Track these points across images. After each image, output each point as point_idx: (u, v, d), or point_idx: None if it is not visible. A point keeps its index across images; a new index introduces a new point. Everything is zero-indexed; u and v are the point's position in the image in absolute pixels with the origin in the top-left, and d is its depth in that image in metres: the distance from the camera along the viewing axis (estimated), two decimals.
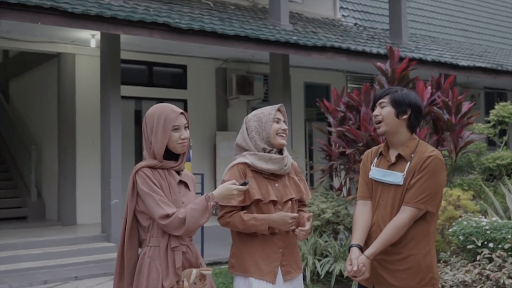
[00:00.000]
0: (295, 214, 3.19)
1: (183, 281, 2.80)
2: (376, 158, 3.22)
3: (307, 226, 3.21)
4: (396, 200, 3.06)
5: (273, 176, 3.25)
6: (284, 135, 3.30)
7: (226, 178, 3.18)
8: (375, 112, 3.16)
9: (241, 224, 3.14)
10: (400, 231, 2.99)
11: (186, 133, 2.92)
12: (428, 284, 3.02)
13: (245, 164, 3.22)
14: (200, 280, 2.86)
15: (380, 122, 3.13)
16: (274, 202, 3.21)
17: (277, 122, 3.29)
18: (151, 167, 2.84)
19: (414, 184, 3.00)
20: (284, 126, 3.31)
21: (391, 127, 3.11)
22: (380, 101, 3.14)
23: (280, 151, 3.32)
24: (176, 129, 2.88)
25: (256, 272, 3.16)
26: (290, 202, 3.27)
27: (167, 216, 2.73)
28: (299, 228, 3.19)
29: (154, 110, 2.93)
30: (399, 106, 3.08)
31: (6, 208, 11.36)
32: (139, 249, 2.90)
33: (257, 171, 3.22)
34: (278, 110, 3.34)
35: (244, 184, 2.95)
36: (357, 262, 2.96)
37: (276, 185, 3.25)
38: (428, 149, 3.08)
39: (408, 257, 3.01)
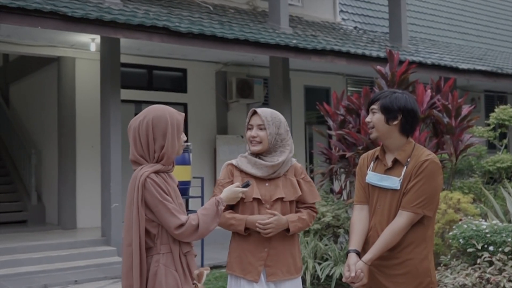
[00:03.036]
0: (269, 218, 3.18)
1: (195, 283, 2.82)
2: (372, 162, 3.21)
3: (266, 220, 3.18)
4: (393, 205, 3.05)
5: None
6: (255, 142, 3.27)
7: (219, 177, 3.33)
8: (367, 119, 3.17)
9: (224, 222, 3.23)
10: (397, 236, 2.98)
11: (185, 136, 2.95)
12: None
13: (232, 164, 3.32)
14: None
15: (372, 128, 3.14)
16: (259, 201, 3.23)
17: (250, 129, 3.30)
18: (156, 172, 2.77)
19: (410, 188, 2.99)
20: (254, 133, 3.27)
21: (382, 133, 3.11)
22: (372, 107, 3.14)
23: (271, 157, 3.29)
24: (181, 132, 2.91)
25: (239, 270, 3.22)
26: (280, 202, 3.26)
27: (182, 225, 2.70)
28: (258, 221, 3.17)
29: (161, 113, 2.83)
30: (389, 112, 3.06)
31: (6, 212, 11.34)
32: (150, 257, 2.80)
33: (244, 172, 3.29)
34: (254, 114, 3.32)
35: (247, 185, 3.06)
36: (355, 268, 2.96)
37: (267, 184, 3.27)
38: (424, 153, 3.07)
39: (406, 262, 3.00)
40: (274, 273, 3.21)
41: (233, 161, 3.34)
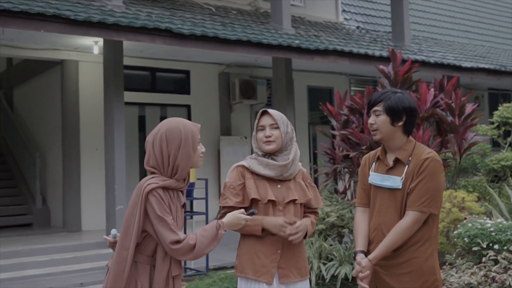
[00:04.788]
0: (291, 220, 3.17)
1: None
2: (374, 163, 3.22)
3: (296, 225, 3.16)
4: (397, 204, 3.05)
5: (274, 178, 3.26)
6: (270, 141, 3.25)
7: (227, 180, 3.25)
8: (370, 121, 3.16)
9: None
10: (402, 235, 2.98)
11: (203, 147, 2.90)
12: (431, 287, 3.02)
13: (244, 166, 3.27)
14: None
15: (375, 130, 3.13)
16: (273, 203, 3.21)
17: (261, 130, 3.28)
18: (164, 188, 2.72)
19: (414, 187, 2.99)
20: (268, 133, 3.26)
21: (386, 135, 3.11)
22: (374, 108, 3.13)
23: (282, 156, 3.28)
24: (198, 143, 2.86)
25: (252, 273, 3.18)
26: (292, 204, 3.25)
27: (178, 241, 2.66)
28: (289, 228, 3.15)
29: (174, 125, 2.81)
30: (394, 114, 3.06)
31: (11, 216, 11.38)
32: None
33: (256, 173, 3.25)
34: (264, 115, 3.31)
35: (252, 213, 3.01)
36: (363, 263, 3.00)
37: (279, 186, 3.25)
38: (425, 151, 3.08)
39: (411, 260, 3.01)
40: (286, 275, 3.20)
41: (244, 163, 3.28)
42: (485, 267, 4.96)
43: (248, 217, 2.96)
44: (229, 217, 2.91)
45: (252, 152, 3.39)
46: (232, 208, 3.15)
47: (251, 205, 3.22)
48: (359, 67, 12.05)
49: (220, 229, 2.80)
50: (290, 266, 3.22)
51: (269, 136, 3.25)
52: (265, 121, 3.28)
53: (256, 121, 3.31)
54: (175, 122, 2.83)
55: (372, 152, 3.32)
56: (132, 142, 11.04)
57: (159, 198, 2.68)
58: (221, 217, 3.18)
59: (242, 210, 2.99)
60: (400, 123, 3.08)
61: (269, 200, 3.20)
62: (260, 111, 3.32)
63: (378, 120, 3.11)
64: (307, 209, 3.37)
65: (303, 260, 3.31)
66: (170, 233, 2.66)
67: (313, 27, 12.92)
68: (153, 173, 2.79)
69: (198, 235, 2.73)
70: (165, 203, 2.69)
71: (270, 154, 3.27)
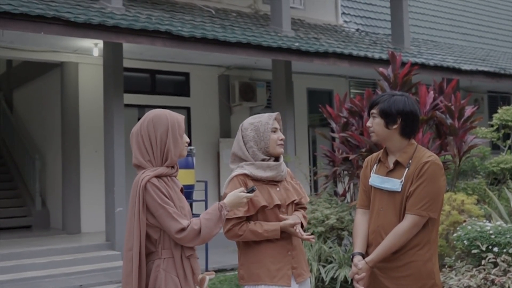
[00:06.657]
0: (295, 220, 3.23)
1: None
2: (375, 165, 3.22)
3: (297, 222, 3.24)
4: (396, 207, 3.05)
5: (273, 181, 3.29)
6: (282, 144, 3.35)
7: (227, 191, 3.19)
8: (368, 123, 3.18)
9: (254, 236, 3.18)
10: (401, 239, 2.98)
11: (187, 138, 2.93)
12: None
13: (244, 174, 3.25)
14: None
15: (372, 132, 3.16)
16: (278, 206, 3.24)
17: (275, 132, 3.32)
18: (158, 177, 2.75)
19: (414, 191, 2.99)
20: (282, 136, 3.36)
21: (382, 137, 3.12)
22: (372, 111, 3.15)
23: (276, 158, 3.36)
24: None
25: (269, 279, 3.16)
26: (291, 204, 3.31)
27: (183, 229, 2.68)
28: (299, 231, 3.21)
29: (160, 113, 2.85)
30: (387, 117, 3.07)
31: (10, 218, 11.38)
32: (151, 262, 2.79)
33: (257, 179, 3.25)
34: (275, 118, 3.37)
35: (252, 190, 3.00)
36: (360, 265, 3.00)
37: (278, 189, 3.29)
38: (425, 155, 3.07)
39: (409, 264, 3.00)
40: (300, 274, 3.25)
41: (244, 171, 3.26)
42: (484, 269, 4.96)
43: (249, 194, 2.96)
44: (230, 197, 2.91)
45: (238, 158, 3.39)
46: (241, 219, 3.16)
47: (258, 213, 3.21)
48: (358, 70, 12.06)
49: (223, 210, 2.82)
50: (301, 264, 3.28)
51: (283, 139, 3.36)
52: (277, 124, 3.37)
53: (271, 122, 3.31)
54: (160, 110, 2.90)
55: (374, 154, 3.33)
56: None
57: (155, 188, 2.70)
58: (229, 231, 3.19)
59: (242, 188, 2.99)
60: (395, 126, 3.07)
61: (276, 205, 3.22)
62: (276, 114, 3.38)
63: (374, 122, 3.13)
64: (296, 205, 3.42)
65: (306, 256, 3.40)
66: (174, 222, 2.68)
67: (312, 29, 12.93)
68: (143, 168, 2.80)
69: (202, 219, 2.76)
70: (163, 191, 2.72)
71: (267, 159, 3.32)
